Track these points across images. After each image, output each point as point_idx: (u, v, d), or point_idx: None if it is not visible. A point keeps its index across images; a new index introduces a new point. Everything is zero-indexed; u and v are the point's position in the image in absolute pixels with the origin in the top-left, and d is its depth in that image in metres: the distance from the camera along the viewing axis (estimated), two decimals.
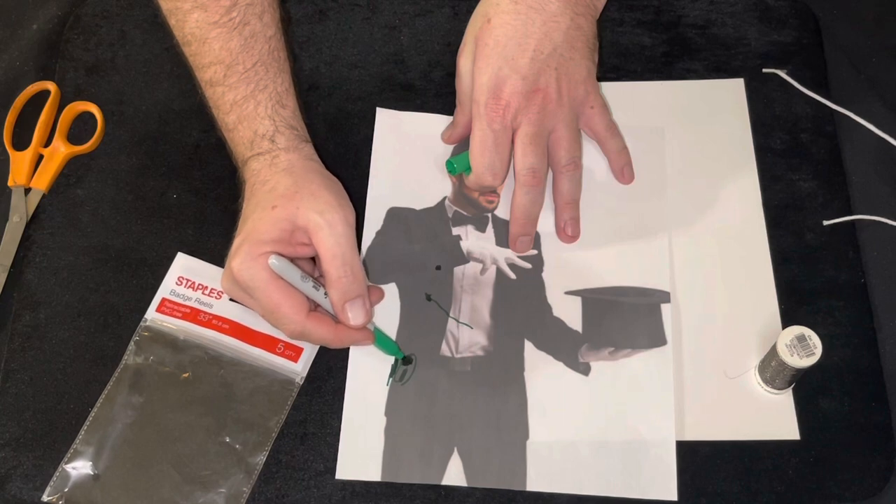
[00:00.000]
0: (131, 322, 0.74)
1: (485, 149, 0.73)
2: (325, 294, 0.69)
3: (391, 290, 0.74)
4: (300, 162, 0.71)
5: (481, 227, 0.77)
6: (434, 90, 0.82)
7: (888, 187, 0.77)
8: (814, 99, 0.80)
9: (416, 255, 0.76)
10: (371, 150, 0.80)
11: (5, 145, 0.81)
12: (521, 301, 0.74)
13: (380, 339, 0.71)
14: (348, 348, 0.72)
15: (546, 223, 0.76)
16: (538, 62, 0.72)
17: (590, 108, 0.76)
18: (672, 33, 0.84)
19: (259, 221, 0.68)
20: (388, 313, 0.74)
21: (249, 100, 0.72)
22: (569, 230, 0.76)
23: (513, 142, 0.73)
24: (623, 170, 0.78)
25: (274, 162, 0.71)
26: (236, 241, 0.69)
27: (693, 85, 0.82)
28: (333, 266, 0.67)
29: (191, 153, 0.81)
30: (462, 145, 0.79)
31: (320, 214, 0.67)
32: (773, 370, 0.68)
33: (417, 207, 0.78)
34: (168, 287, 0.75)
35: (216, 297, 0.74)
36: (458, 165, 0.75)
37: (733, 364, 0.71)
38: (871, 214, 0.76)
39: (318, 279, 0.70)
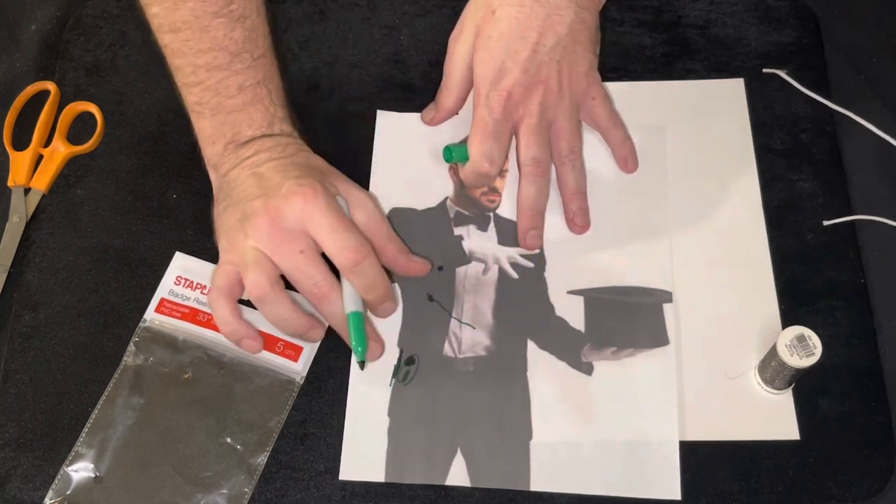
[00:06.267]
0: (131, 322, 0.74)
1: (485, 136, 0.73)
2: None
3: (393, 291, 0.74)
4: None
5: (483, 227, 0.77)
6: (434, 90, 0.81)
7: (888, 187, 0.77)
8: (814, 99, 0.80)
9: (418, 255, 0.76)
10: (371, 150, 0.80)
11: (5, 145, 0.81)
12: (523, 301, 0.74)
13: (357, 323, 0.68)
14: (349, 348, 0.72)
15: (547, 222, 0.76)
16: (540, 55, 0.72)
17: (591, 100, 0.76)
18: (672, 33, 0.84)
19: (324, 171, 0.71)
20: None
21: (261, 86, 0.72)
22: (578, 220, 0.76)
23: (514, 135, 0.74)
24: (626, 160, 0.78)
25: (300, 142, 0.72)
26: (306, 179, 0.67)
27: (693, 85, 0.82)
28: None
29: (191, 153, 0.80)
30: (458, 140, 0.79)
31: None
32: (773, 370, 0.68)
33: (419, 208, 0.78)
34: (166, 287, 0.75)
35: None
36: (455, 154, 0.75)
37: (733, 364, 0.71)
38: (871, 214, 0.76)
39: None
